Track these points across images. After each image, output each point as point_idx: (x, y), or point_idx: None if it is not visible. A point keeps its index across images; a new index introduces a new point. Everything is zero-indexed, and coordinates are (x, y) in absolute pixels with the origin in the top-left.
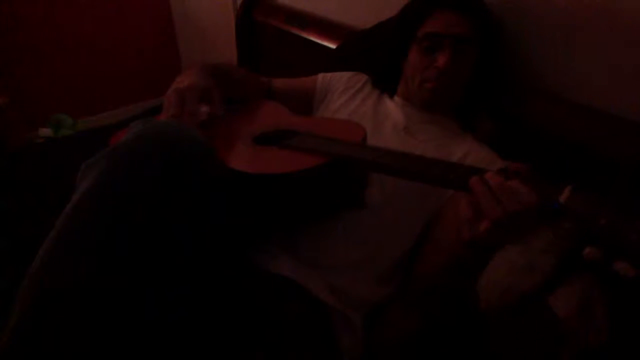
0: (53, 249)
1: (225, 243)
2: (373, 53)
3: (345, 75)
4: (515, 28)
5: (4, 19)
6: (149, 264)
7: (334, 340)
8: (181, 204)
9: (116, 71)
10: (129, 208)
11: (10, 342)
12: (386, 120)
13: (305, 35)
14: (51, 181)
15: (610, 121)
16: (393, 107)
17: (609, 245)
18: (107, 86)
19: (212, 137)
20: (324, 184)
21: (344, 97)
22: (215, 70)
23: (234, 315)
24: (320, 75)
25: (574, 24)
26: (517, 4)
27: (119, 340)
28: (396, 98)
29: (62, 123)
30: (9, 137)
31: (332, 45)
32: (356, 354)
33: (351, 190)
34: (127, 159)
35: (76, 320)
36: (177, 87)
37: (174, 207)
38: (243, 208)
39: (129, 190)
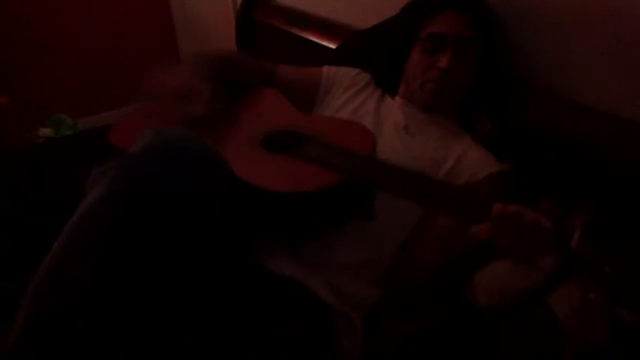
0: (63, 253)
1: (229, 247)
2: (374, 53)
3: (351, 72)
4: (516, 28)
5: (5, 19)
6: (155, 269)
7: (334, 340)
8: (191, 213)
9: (116, 71)
10: (139, 216)
11: (18, 342)
12: (387, 120)
13: (305, 35)
14: (51, 181)
15: (610, 121)
16: (394, 107)
17: (611, 291)
18: (107, 86)
19: (216, 137)
20: (337, 200)
21: (347, 94)
22: (211, 63)
23: (234, 314)
24: (325, 68)
25: (574, 24)
26: (518, 4)
27: (124, 341)
28: (397, 98)
29: (62, 123)
30: (9, 137)
31: (332, 45)
32: (356, 355)
33: (362, 204)
34: (137, 168)
35: (83, 323)
36: (159, 88)
37: (183, 216)
38: (250, 216)
39: (138, 199)
